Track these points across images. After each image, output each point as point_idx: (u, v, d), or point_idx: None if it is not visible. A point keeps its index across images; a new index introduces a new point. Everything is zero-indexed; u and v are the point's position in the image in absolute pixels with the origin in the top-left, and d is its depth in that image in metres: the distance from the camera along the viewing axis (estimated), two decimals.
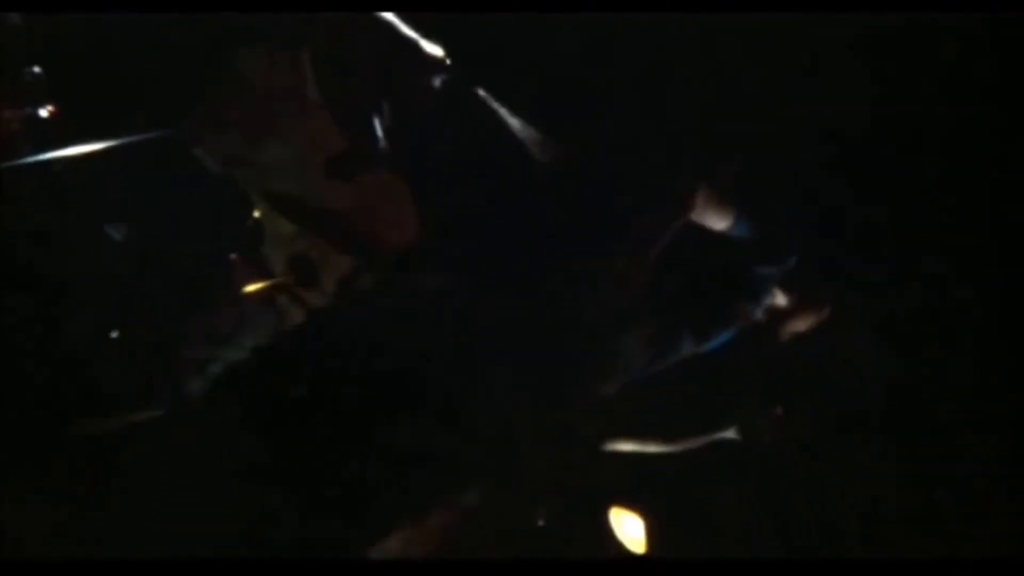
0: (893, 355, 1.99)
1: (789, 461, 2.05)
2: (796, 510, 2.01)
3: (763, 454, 2.03)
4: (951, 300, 1.95)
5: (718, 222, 1.83)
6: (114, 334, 1.82)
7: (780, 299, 1.95)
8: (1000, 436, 1.90)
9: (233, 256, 2.04)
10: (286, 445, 1.82)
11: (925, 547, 1.79)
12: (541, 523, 2.00)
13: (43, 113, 1.75)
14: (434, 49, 2.09)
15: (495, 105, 2.09)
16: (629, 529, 2.15)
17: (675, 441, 2.17)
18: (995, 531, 1.80)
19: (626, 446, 2.16)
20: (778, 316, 1.98)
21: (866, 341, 2.00)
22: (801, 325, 1.94)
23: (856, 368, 2.01)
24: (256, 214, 2.09)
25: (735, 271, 1.94)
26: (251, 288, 2.02)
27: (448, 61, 2.13)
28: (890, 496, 1.94)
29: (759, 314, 1.94)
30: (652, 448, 2.17)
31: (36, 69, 1.81)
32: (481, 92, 2.16)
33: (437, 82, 2.19)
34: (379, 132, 2.21)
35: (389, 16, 2.04)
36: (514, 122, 2.07)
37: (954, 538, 1.82)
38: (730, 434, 2.14)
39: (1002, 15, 1.80)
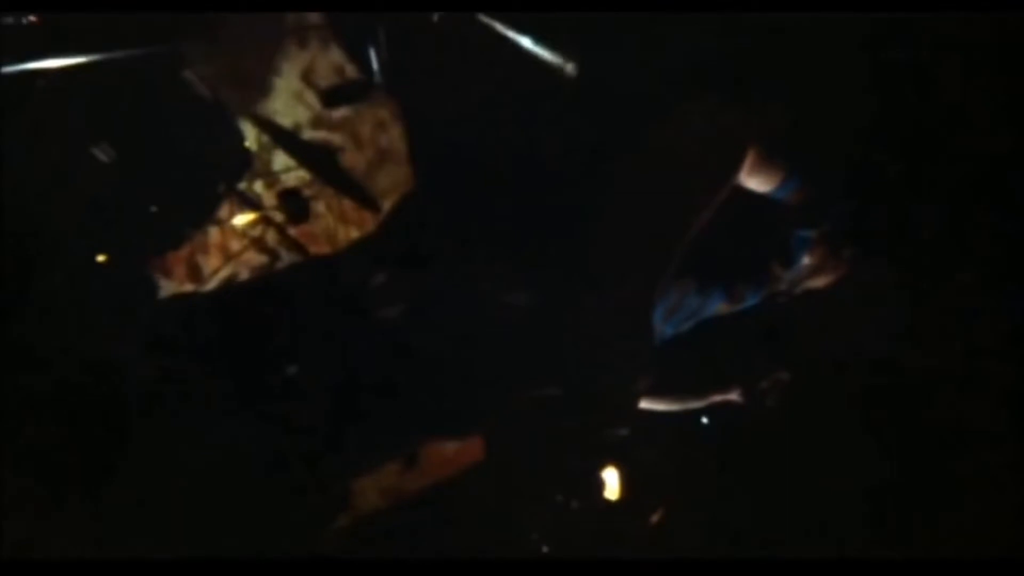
0: (904, 331, 1.99)
1: (784, 428, 2.07)
2: (780, 478, 2.03)
3: (761, 418, 2.04)
4: (977, 280, 1.96)
5: (761, 185, 1.81)
6: (100, 258, 1.76)
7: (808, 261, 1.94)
8: (1009, 420, 1.92)
9: (221, 187, 1.97)
10: (271, 391, 1.78)
11: (922, 534, 1.82)
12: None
13: (24, 21, 1.65)
14: None
15: (504, 33, 2.02)
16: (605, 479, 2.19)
17: (678, 399, 2.18)
18: (997, 522, 1.83)
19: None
20: (801, 277, 1.97)
21: (879, 311, 2.01)
22: (818, 283, 1.93)
23: (864, 340, 2.02)
24: (247, 144, 2.02)
25: (772, 232, 1.92)
26: (238, 221, 1.96)
27: None
28: (885, 480, 1.97)
29: (791, 277, 1.92)
30: (655, 405, 2.17)
31: None
32: (486, 21, 2.09)
33: (435, 15, 2.12)
34: (376, 64, 2.14)
35: None
36: (527, 51, 2.00)
37: (955, 530, 1.85)
38: (733, 396, 2.15)
39: None
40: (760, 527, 2.01)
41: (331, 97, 2.12)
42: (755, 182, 1.81)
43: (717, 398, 2.13)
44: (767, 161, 1.78)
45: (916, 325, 1.99)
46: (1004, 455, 1.89)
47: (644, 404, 2.08)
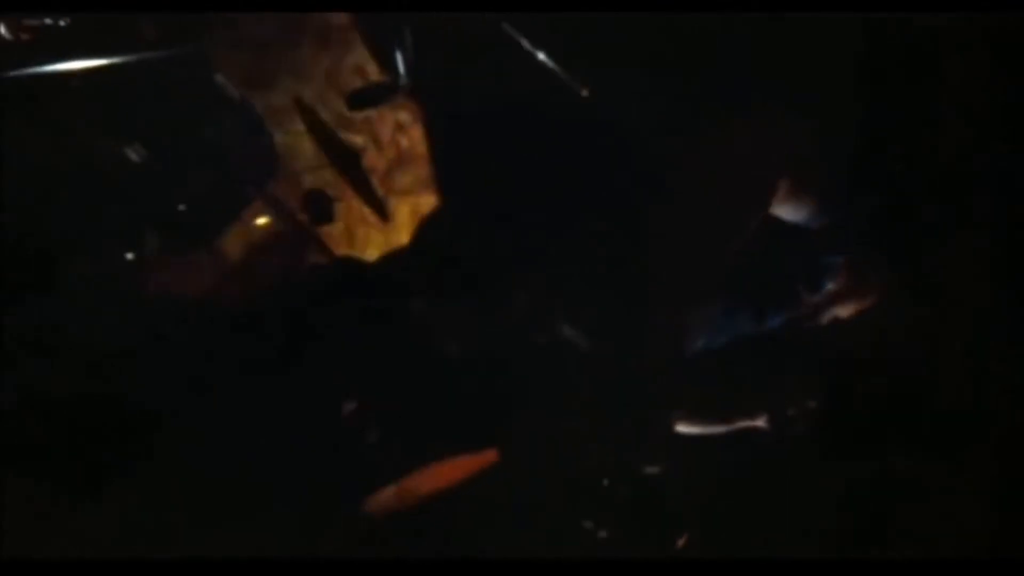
0: (934, 356, 1.99)
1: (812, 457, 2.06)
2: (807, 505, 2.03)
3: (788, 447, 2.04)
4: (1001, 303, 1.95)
5: (793, 214, 1.82)
6: (129, 256, 1.78)
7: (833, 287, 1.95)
8: None
9: (249, 189, 1.99)
10: (296, 387, 1.80)
11: (956, 549, 1.80)
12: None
13: (61, 23, 1.67)
14: None
15: (530, 48, 2.03)
16: None
17: (704, 423, 2.18)
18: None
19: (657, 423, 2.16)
20: (826, 303, 1.97)
21: (908, 338, 2.01)
22: (844, 312, 1.94)
23: (894, 368, 2.02)
24: (275, 143, 2.04)
25: (800, 256, 1.92)
26: (262, 221, 1.98)
27: None
28: (910, 505, 1.96)
29: (816, 301, 1.93)
30: (681, 429, 2.17)
31: None
32: (512, 31, 2.09)
33: (464, 18, 2.12)
34: (402, 67, 2.15)
35: None
36: (551, 69, 2.01)
37: (987, 540, 1.84)
38: (759, 423, 2.15)
39: None
40: (778, 539, 2.01)
41: (355, 100, 2.13)
42: (787, 211, 1.82)
43: (743, 424, 2.14)
44: (799, 192, 1.79)
45: (947, 352, 1.99)
46: None
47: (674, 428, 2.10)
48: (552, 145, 2.10)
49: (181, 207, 1.89)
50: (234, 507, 1.61)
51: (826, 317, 1.94)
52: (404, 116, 2.20)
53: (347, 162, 2.10)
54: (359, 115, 2.15)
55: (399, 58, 2.12)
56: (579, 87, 2.01)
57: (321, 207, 2.06)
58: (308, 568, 1.53)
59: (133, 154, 1.80)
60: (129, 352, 1.72)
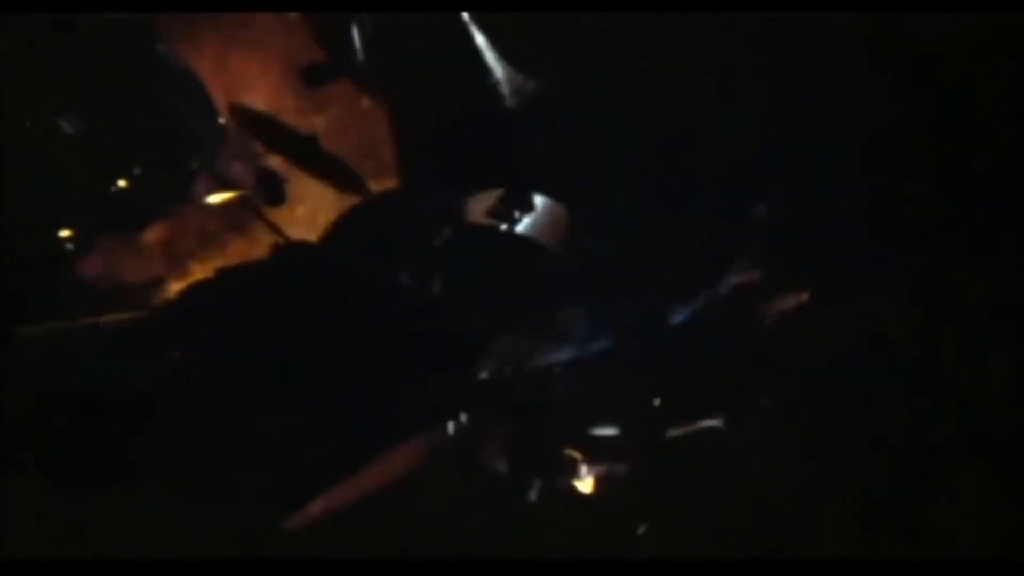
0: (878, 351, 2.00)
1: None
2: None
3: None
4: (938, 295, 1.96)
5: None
6: (65, 233, 1.67)
7: (754, 277, 1.93)
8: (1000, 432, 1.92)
9: (194, 165, 1.89)
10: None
11: (919, 545, 1.80)
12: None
13: None
14: None
15: (485, 35, 1.99)
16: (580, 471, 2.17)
17: (659, 430, 2.15)
18: (992, 530, 1.82)
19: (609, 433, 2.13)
20: (757, 296, 1.96)
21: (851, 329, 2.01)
22: (783, 307, 1.93)
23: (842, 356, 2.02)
24: (221, 121, 1.94)
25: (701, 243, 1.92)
26: (213, 199, 1.87)
27: None
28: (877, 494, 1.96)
29: (725, 289, 1.92)
30: (637, 438, 2.14)
31: None
32: (468, 18, 2.05)
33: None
34: (358, 49, 2.08)
35: None
36: (499, 59, 1.97)
37: (947, 537, 1.84)
38: (716, 423, 2.13)
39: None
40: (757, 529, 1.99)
41: (312, 76, 2.05)
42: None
43: (700, 425, 2.12)
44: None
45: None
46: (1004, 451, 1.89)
47: (607, 431, 2.07)
48: (507, 132, 2.07)
49: (120, 184, 1.77)
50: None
51: (768, 317, 1.93)
52: (366, 102, 2.13)
53: (304, 147, 2.02)
54: (320, 99, 2.06)
55: (355, 36, 2.06)
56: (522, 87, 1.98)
57: (273, 188, 1.97)
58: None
59: (67, 125, 1.69)
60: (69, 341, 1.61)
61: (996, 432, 1.87)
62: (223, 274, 1.81)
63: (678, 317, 2.00)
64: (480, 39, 2.03)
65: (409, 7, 1.93)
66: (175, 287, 1.83)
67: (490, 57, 2.03)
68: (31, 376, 1.47)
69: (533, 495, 1.98)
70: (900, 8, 1.83)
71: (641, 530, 1.93)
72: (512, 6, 1.91)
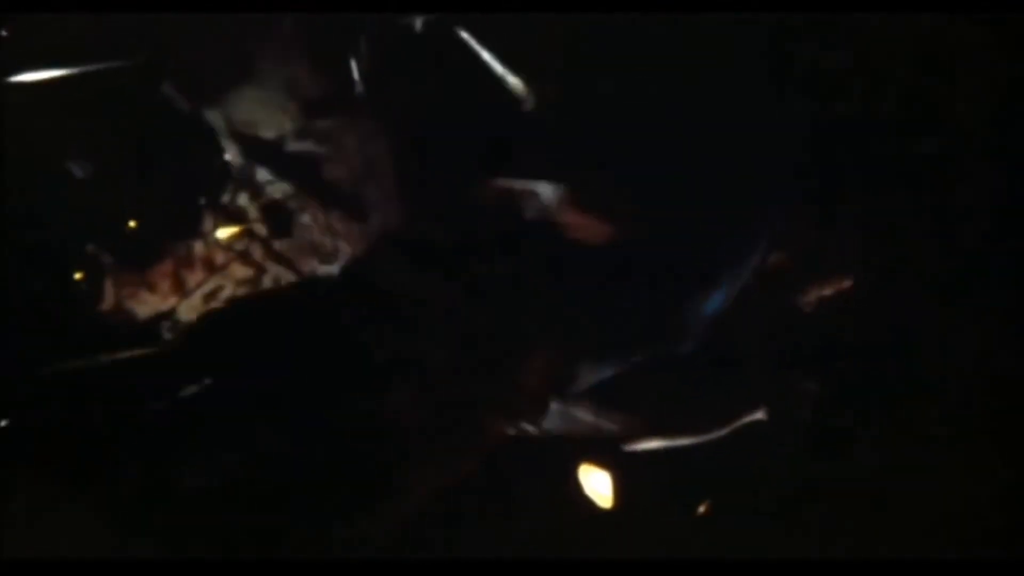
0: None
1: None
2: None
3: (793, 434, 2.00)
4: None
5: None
6: (77, 276, 1.71)
7: (785, 262, 1.91)
8: None
9: (202, 201, 1.93)
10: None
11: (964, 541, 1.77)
12: None
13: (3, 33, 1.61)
14: None
15: (483, 52, 2.00)
16: (596, 485, 2.16)
17: (703, 431, 2.11)
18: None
19: (652, 442, 2.07)
20: (793, 283, 1.94)
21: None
22: (820, 294, 1.91)
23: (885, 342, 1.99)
24: (227, 157, 1.98)
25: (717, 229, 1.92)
26: (221, 234, 1.92)
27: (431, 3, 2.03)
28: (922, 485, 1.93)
29: (748, 272, 1.90)
30: (681, 441, 2.11)
31: None
32: (467, 36, 2.07)
33: (419, 24, 2.10)
34: (357, 77, 2.11)
35: None
36: (504, 73, 1.98)
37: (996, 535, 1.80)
38: (759, 415, 2.05)
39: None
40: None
41: (313, 108, 2.08)
42: None
43: (744, 420, 2.10)
44: None
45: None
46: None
47: (671, 442, 2.06)
48: (510, 152, 2.08)
49: (131, 223, 1.82)
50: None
51: (806, 303, 1.91)
52: (369, 125, 2.16)
53: (307, 173, 2.05)
54: (322, 125, 2.09)
55: (354, 66, 2.09)
56: (534, 94, 1.99)
57: (278, 219, 2.00)
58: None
59: (77, 169, 1.74)
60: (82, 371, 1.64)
61: None
62: (234, 305, 1.85)
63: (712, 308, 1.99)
64: (481, 52, 2.04)
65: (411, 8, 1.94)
66: (186, 320, 1.87)
67: (492, 70, 2.04)
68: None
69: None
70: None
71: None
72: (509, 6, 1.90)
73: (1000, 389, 1.90)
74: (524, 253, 1.96)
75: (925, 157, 1.98)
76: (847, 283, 1.90)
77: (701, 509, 1.99)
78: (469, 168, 2.06)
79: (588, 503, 2.06)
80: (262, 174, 2.02)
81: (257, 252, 1.98)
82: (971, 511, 1.82)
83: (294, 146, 2.03)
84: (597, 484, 2.09)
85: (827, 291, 1.91)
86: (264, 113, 2.01)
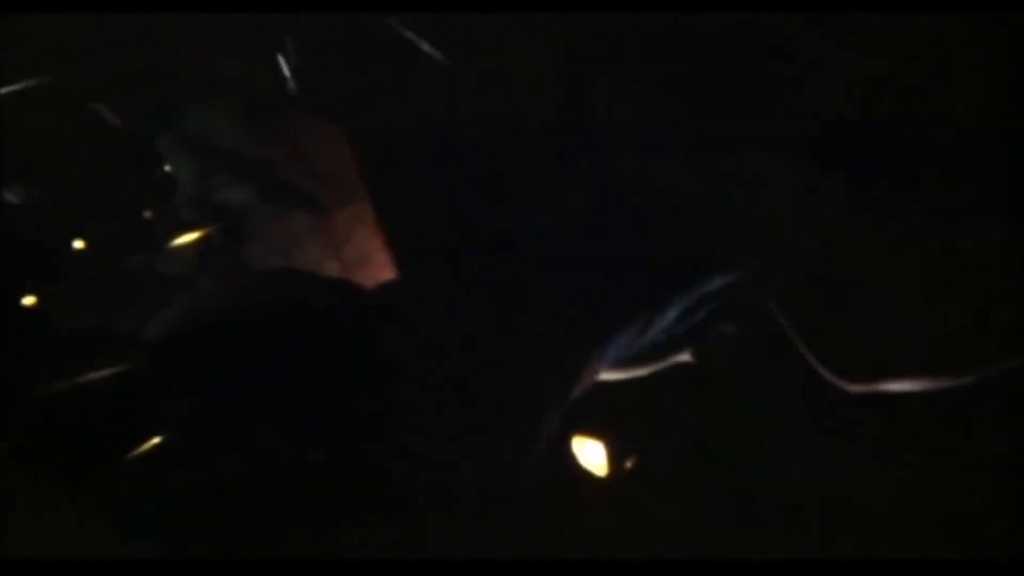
0: None
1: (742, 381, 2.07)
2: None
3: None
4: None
5: None
6: (28, 300, 1.61)
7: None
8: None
9: (147, 213, 1.85)
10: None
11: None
12: None
13: None
14: None
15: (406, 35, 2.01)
16: (590, 455, 2.14)
17: (630, 367, 2.13)
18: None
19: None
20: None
21: None
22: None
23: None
24: (167, 168, 1.91)
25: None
26: (177, 242, 1.84)
27: None
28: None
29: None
30: (609, 376, 2.12)
31: None
32: (400, 27, 2.07)
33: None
34: (287, 73, 2.08)
35: None
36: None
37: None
38: (684, 356, 2.12)
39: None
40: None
41: (246, 112, 2.04)
42: None
43: (668, 361, 2.12)
44: None
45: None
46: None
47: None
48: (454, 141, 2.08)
49: (76, 244, 1.72)
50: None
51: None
52: (326, 126, 2.11)
53: (263, 178, 2.00)
54: (274, 128, 2.05)
55: (283, 65, 2.06)
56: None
57: (239, 225, 1.94)
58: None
59: (12, 196, 1.64)
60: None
61: None
62: (208, 314, 1.78)
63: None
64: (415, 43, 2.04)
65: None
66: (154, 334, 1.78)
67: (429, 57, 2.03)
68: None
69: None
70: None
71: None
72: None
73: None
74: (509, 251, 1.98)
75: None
76: None
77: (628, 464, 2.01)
78: (431, 163, 2.05)
79: (583, 473, 2.05)
80: (219, 180, 1.96)
81: (220, 259, 1.90)
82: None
83: (249, 151, 1.99)
84: (591, 454, 2.11)
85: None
86: (215, 120, 1.97)
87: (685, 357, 2.10)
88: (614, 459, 2.12)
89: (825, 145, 1.98)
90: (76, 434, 1.45)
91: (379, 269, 1.98)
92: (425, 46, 2.08)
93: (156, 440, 1.44)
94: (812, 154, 1.98)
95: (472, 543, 1.81)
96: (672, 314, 1.97)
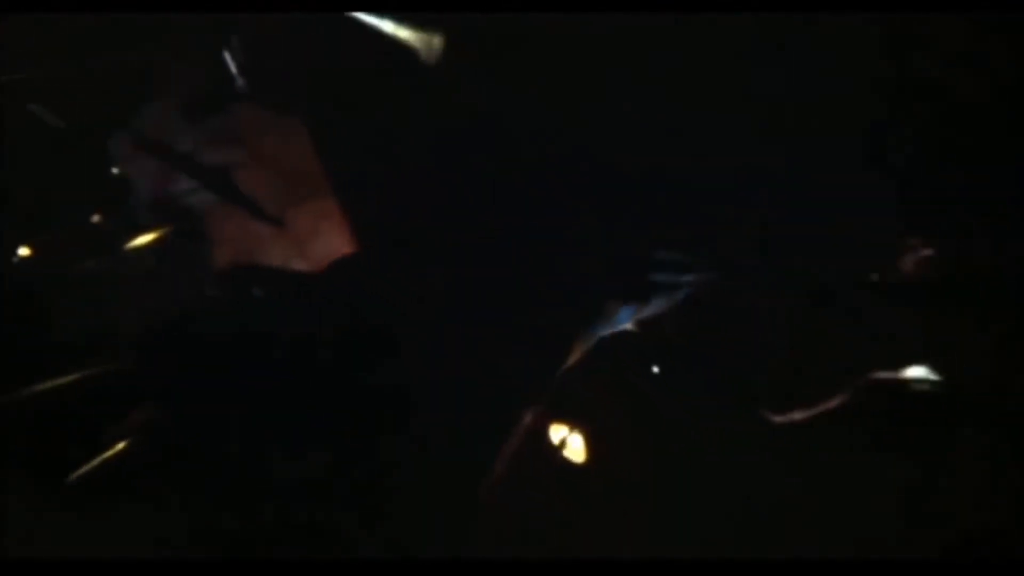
0: None
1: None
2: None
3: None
4: None
5: None
6: None
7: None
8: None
9: (96, 217, 1.77)
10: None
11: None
12: None
13: None
14: None
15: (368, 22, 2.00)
16: (570, 444, 2.15)
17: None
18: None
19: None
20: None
21: None
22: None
23: None
24: (114, 171, 1.83)
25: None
26: (134, 244, 1.76)
27: None
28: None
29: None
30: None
31: None
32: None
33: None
34: (233, 69, 2.04)
35: None
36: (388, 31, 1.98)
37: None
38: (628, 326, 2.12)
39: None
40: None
41: (194, 110, 1.99)
42: None
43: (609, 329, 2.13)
44: None
45: None
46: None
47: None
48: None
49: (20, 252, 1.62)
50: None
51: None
52: (287, 125, 2.05)
53: (222, 181, 1.93)
54: (234, 129, 2.00)
55: (230, 61, 2.02)
56: (428, 43, 2.00)
57: (185, 226, 1.87)
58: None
59: None
60: None
61: None
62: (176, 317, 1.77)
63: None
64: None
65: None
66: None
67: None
68: None
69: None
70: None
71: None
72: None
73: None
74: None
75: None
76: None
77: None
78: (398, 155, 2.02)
79: (564, 461, 2.05)
80: (181, 184, 1.91)
81: (184, 262, 1.82)
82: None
83: (209, 155, 1.94)
84: (571, 443, 2.12)
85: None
86: (173, 124, 1.92)
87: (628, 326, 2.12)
88: (592, 449, 2.12)
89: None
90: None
91: (346, 264, 1.93)
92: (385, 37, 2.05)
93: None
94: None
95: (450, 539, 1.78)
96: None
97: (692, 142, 1.94)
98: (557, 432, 2.11)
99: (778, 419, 1.97)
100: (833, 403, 1.95)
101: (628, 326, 2.05)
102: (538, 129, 1.96)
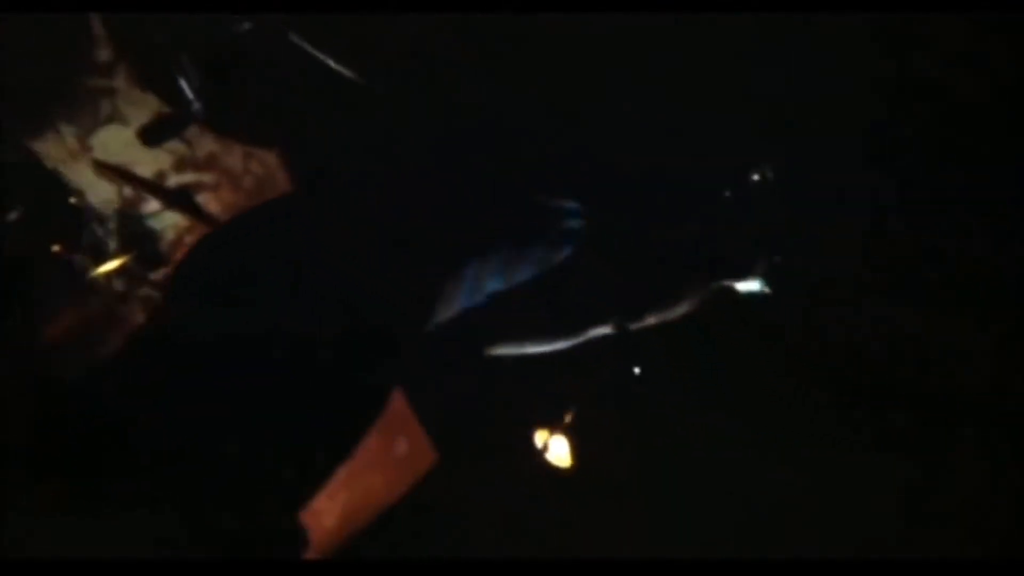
0: None
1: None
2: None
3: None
4: None
5: None
6: None
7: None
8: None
9: (55, 247, 1.64)
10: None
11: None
12: None
13: None
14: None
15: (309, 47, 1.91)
16: (554, 448, 2.14)
17: (553, 339, 2.13)
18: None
19: (506, 349, 2.11)
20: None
21: None
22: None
23: None
24: (72, 200, 1.75)
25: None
26: (96, 273, 1.64)
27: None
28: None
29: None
30: (532, 348, 2.13)
31: None
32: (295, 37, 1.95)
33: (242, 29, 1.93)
34: (189, 93, 1.96)
35: None
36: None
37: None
38: (606, 329, 2.13)
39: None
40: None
41: (149, 135, 1.93)
42: None
43: (592, 333, 2.13)
44: None
45: None
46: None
47: (522, 349, 2.09)
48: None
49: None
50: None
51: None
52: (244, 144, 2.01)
53: (180, 202, 1.83)
54: (202, 152, 1.96)
55: (184, 86, 1.95)
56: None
57: (151, 250, 1.82)
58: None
59: None
60: None
61: None
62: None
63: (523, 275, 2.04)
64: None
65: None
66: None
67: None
68: None
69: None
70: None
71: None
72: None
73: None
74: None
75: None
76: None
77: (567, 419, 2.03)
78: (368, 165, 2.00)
79: (549, 466, 2.03)
80: (148, 207, 1.87)
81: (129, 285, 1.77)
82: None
83: (177, 178, 1.90)
84: (555, 447, 2.11)
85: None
86: (137, 149, 1.87)
87: (608, 329, 2.10)
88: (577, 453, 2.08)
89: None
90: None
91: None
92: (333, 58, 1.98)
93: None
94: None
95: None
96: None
97: (692, 142, 1.91)
98: (543, 435, 2.08)
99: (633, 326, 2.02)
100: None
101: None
102: (538, 129, 1.93)
